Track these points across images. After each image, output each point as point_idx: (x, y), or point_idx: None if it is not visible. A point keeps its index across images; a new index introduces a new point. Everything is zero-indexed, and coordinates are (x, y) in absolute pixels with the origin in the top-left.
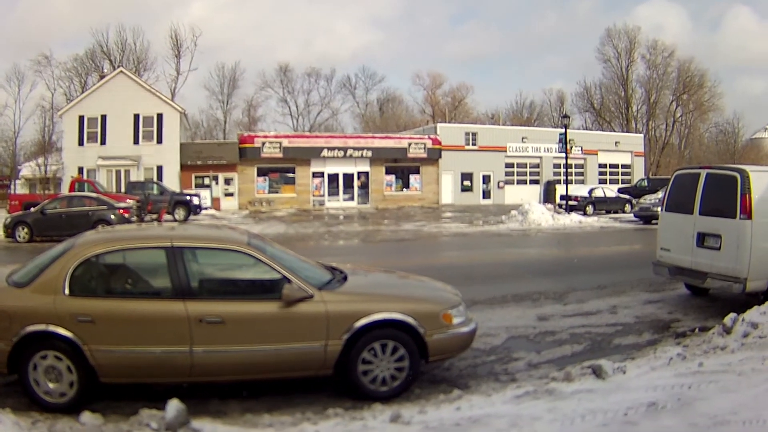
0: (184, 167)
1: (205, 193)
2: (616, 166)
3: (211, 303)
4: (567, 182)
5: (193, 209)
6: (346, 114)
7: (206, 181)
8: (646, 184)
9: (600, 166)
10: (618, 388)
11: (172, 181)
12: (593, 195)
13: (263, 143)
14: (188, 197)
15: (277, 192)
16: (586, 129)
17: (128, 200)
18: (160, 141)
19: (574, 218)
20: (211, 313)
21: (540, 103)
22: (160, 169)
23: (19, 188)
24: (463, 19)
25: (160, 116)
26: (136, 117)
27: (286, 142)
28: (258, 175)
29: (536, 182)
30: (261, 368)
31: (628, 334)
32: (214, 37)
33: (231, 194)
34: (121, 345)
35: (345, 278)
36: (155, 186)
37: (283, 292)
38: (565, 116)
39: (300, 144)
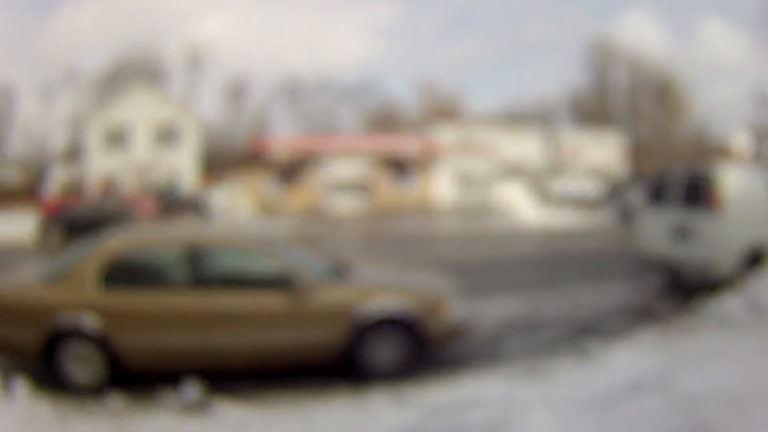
0: (200, 171)
1: (220, 196)
2: (599, 164)
3: (229, 296)
4: (555, 181)
5: (208, 211)
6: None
7: (220, 184)
8: (627, 182)
9: (584, 165)
10: (603, 370)
11: (189, 184)
12: (579, 192)
13: (273, 147)
14: (204, 199)
15: (286, 193)
16: (573, 130)
17: (149, 202)
18: (177, 147)
19: (561, 215)
20: (228, 305)
21: (530, 105)
22: (177, 173)
23: (50, 193)
24: (458, 26)
25: (177, 124)
26: (156, 125)
27: (293, 146)
28: (269, 177)
29: (527, 181)
30: (273, 356)
31: (613, 319)
32: (222, 48)
33: (243, 196)
34: (145, 335)
35: (350, 271)
36: (174, 189)
37: (294, 285)
38: (552, 119)
39: (306, 147)
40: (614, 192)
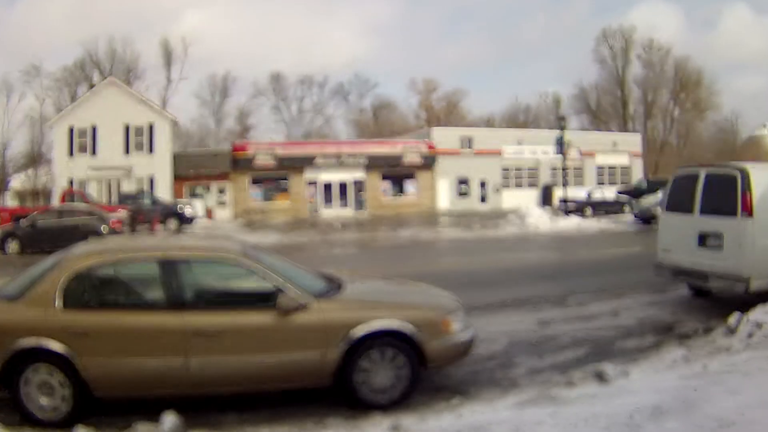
0: (176, 177)
1: (197, 203)
2: (614, 167)
3: (206, 314)
4: (565, 185)
5: (185, 220)
6: (340, 121)
7: (199, 190)
8: (645, 184)
9: (598, 167)
10: (621, 392)
11: (164, 192)
12: (591, 197)
13: (256, 152)
14: (181, 207)
15: (271, 201)
16: (583, 130)
17: (120, 211)
18: (151, 151)
19: (573, 221)
20: (206, 324)
21: (536, 106)
22: (151, 179)
23: (9, 200)
24: (457, 24)
25: (151, 126)
26: (127, 127)
27: (279, 150)
28: (251, 183)
29: (534, 185)
30: (258, 379)
31: (631, 336)
32: (205, 45)
33: (224, 204)
34: (114, 358)
35: (342, 286)
36: (147, 196)
37: (278, 302)
38: (562, 118)
39: (293, 152)
40: (632, 196)
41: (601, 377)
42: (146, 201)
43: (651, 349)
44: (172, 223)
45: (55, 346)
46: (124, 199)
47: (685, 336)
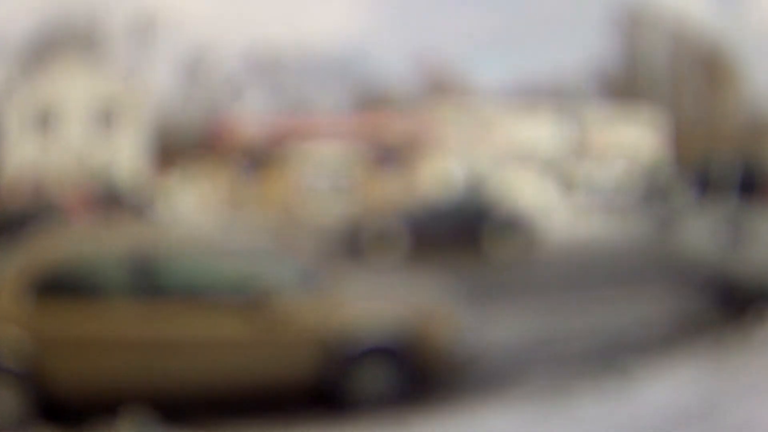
0: (149, 160)
1: (173, 189)
2: (634, 150)
3: (183, 311)
4: (583, 171)
5: (158, 208)
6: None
7: (173, 173)
8: (671, 175)
9: (616, 150)
10: (641, 395)
11: (135, 176)
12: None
13: (239, 127)
14: (154, 194)
15: (255, 183)
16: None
17: (85, 198)
18: (122, 131)
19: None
20: (183, 322)
21: (547, 81)
22: (121, 162)
23: None
24: None
25: (121, 103)
26: (95, 104)
27: (264, 126)
28: (234, 164)
29: (544, 169)
30: (237, 385)
31: (653, 334)
32: (183, 13)
33: (202, 187)
34: (80, 361)
35: (331, 279)
36: (116, 182)
37: (262, 297)
38: (575, 96)
39: (281, 127)
40: (654, 189)
41: (619, 380)
42: (115, 186)
43: (675, 347)
44: (143, 212)
45: (15, 346)
46: (87, 184)
47: (710, 339)
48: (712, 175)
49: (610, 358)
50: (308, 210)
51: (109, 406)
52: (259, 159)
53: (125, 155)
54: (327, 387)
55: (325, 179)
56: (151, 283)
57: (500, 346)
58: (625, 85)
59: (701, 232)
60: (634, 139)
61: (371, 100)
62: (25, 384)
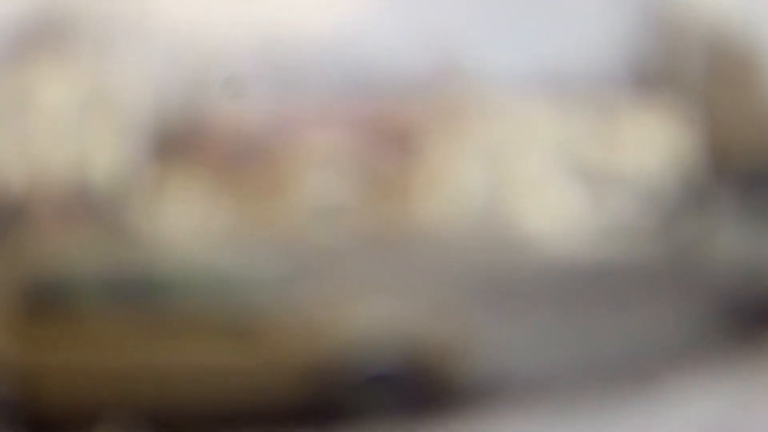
0: (129, 158)
1: (158, 191)
2: (667, 148)
3: (164, 332)
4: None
5: (139, 213)
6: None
7: (160, 175)
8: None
9: (638, 138)
10: (661, 415)
11: (113, 176)
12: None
13: (230, 121)
14: (135, 196)
15: (244, 182)
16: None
17: (58, 203)
18: (100, 128)
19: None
20: (164, 343)
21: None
22: (99, 163)
23: None
24: None
25: (100, 97)
26: (70, 99)
27: (259, 118)
28: (220, 162)
29: (568, 164)
30: (225, 409)
31: (674, 346)
32: None
33: (190, 189)
34: (58, 385)
35: (322, 285)
36: (93, 185)
37: (248, 316)
38: (604, 85)
39: (278, 119)
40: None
41: (636, 396)
42: (92, 190)
43: (698, 362)
44: (121, 218)
45: None
46: (63, 187)
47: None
48: (754, 178)
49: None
50: (308, 210)
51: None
52: (251, 153)
53: (102, 154)
54: (322, 413)
55: (326, 174)
56: (135, 302)
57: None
58: (657, 74)
59: (738, 238)
60: (666, 135)
61: (376, 87)
62: (7, 409)
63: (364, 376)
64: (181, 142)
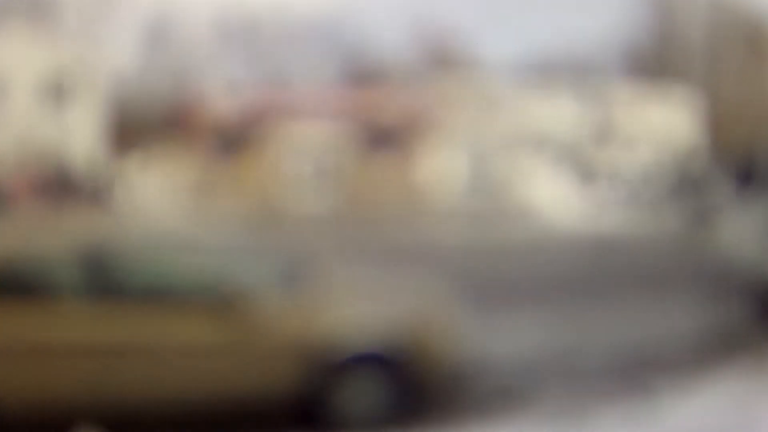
0: (104, 140)
1: (132, 174)
2: (665, 134)
3: (141, 316)
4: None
5: (115, 195)
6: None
7: (134, 154)
8: (706, 164)
9: (646, 130)
10: (671, 420)
11: (88, 159)
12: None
13: (209, 104)
14: (109, 179)
15: (228, 166)
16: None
17: (29, 182)
18: (73, 107)
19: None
20: (140, 330)
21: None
22: (72, 142)
23: None
24: None
25: (73, 76)
26: (42, 77)
27: (239, 102)
28: (204, 145)
29: (561, 154)
30: (202, 402)
31: (687, 349)
32: None
33: (167, 171)
34: (22, 371)
35: (313, 280)
36: (66, 165)
37: (233, 300)
38: (598, 71)
39: (258, 104)
40: (688, 180)
41: (646, 404)
42: (64, 170)
43: (713, 367)
44: (97, 200)
45: None
46: (35, 167)
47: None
48: (756, 164)
49: (635, 373)
50: (289, 199)
51: (59, 421)
52: (232, 139)
53: (79, 134)
54: (309, 401)
55: (308, 164)
56: (107, 281)
57: (508, 357)
58: (655, 61)
59: (742, 229)
60: (665, 123)
61: (363, 74)
62: None
63: (350, 358)
64: (161, 122)
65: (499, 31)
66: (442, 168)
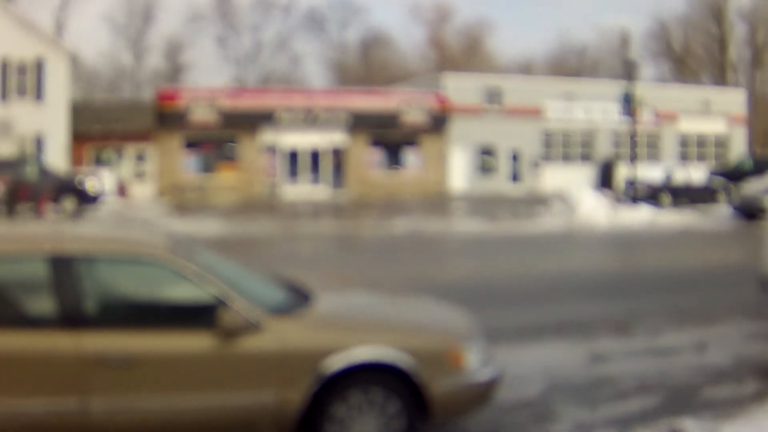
0: (75, 136)
1: (106, 175)
2: (705, 136)
3: (115, 336)
4: (633, 160)
5: (88, 198)
6: (313, 61)
7: (108, 156)
8: (749, 163)
9: (681, 136)
10: None
11: (57, 156)
12: (671, 179)
13: (192, 102)
14: (81, 180)
15: (211, 173)
16: (662, 83)
17: None
18: (39, 98)
19: (643, 212)
20: (115, 350)
21: (594, 46)
22: (39, 138)
23: None
24: None
25: (39, 62)
26: (3, 64)
27: (225, 101)
28: (184, 148)
29: (588, 159)
30: (189, 430)
31: (724, 381)
32: None
33: (144, 175)
34: None
35: (310, 299)
36: (32, 163)
37: (219, 320)
38: (631, 64)
39: (246, 104)
40: (730, 179)
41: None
42: (31, 169)
43: (752, 400)
44: (69, 203)
45: None
46: (4, 164)
47: None
48: None
49: (675, 405)
50: (280, 204)
51: None
52: (219, 141)
53: (49, 129)
54: (309, 426)
55: (301, 169)
56: (78, 297)
57: (529, 382)
58: (694, 53)
59: None
60: (705, 122)
61: (366, 68)
62: None
63: (351, 386)
64: (137, 115)
65: (518, 15)
66: (451, 166)
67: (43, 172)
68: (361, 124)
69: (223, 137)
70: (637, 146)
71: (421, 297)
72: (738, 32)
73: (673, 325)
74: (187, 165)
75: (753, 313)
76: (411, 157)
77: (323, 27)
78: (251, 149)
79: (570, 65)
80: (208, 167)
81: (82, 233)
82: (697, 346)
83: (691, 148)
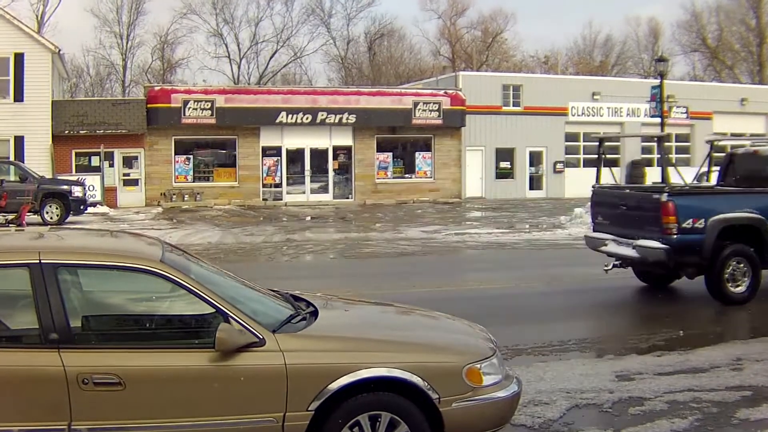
0: (59, 138)
1: (93, 180)
2: (742, 136)
3: (103, 353)
4: (664, 163)
5: (74, 205)
6: (317, 57)
7: (95, 160)
8: None
9: (717, 136)
10: None
11: (39, 160)
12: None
13: (186, 102)
14: (66, 186)
15: (207, 179)
16: (695, 79)
17: None
18: (19, 97)
19: None
20: (103, 368)
21: (621, 39)
22: (19, 140)
23: None
24: None
25: (19, 57)
26: None
27: (221, 101)
28: (177, 152)
29: (614, 163)
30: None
31: (762, 402)
32: None
33: (134, 182)
34: None
35: (315, 314)
36: (12, 168)
37: (216, 336)
38: (661, 59)
39: (244, 104)
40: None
41: None
42: (11, 175)
43: None
44: (53, 211)
45: None
46: None
47: None
48: None
49: None
50: (282, 210)
51: None
52: (213, 143)
53: (32, 131)
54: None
55: (302, 171)
56: (64, 311)
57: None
58: (730, 46)
59: None
60: (742, 122)
61: (374, 65)
62: None
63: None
64: (126, 116)
65: (538, 17)
66: (466, 170)
67: (24, 177)
68: (369, 124)
69: (219, 139)
70: (667, 148)
71: (434, 312)
72: None
73: (706, 341)
74: (180, 170)
75: None
76: (423, 160)
77: (328, 20)
78: (251, 152)
79: (595, 61)
80: (203, 172)
81: (69, 243)
82: (733, 364)
83: (727, 149)
